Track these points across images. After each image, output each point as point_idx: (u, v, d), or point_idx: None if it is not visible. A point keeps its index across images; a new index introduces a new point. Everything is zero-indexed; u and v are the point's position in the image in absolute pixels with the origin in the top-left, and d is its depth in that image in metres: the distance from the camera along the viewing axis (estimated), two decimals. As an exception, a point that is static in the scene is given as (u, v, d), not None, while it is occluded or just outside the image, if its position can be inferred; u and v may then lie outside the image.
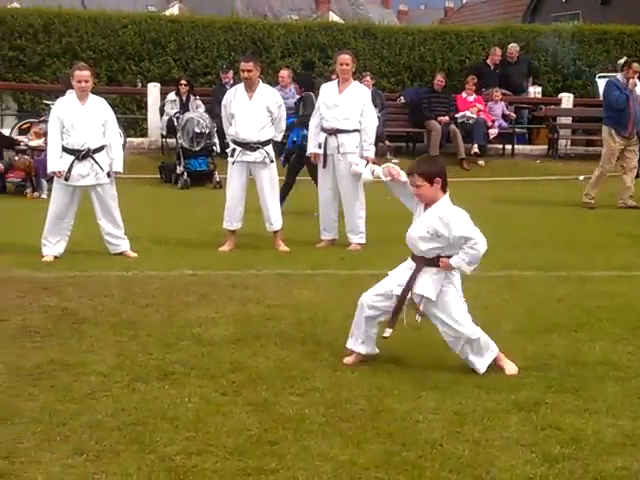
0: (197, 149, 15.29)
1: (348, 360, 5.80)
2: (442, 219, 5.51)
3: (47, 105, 15.28)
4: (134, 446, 4.43)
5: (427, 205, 5.64)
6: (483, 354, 5.64)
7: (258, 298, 7.45)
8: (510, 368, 5.67)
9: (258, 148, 9.60)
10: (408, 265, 5.73)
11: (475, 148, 18.04)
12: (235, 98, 9.70)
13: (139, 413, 4.87)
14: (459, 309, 5.66)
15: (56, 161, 8.99)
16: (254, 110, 9.58)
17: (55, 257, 8.91)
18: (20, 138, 15.30)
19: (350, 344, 5.83)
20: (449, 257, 5.55)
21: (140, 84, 19.02)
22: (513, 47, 19.82)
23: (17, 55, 18.94)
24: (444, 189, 5.62)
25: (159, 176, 15.99)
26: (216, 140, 15.21)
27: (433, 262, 5.59)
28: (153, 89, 18.04)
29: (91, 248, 9.31)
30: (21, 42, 18.93)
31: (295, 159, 11.91)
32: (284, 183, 11.65)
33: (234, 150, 9.70)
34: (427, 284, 5.60)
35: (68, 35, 19.15)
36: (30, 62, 19.00)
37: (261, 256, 9.23)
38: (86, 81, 8.96)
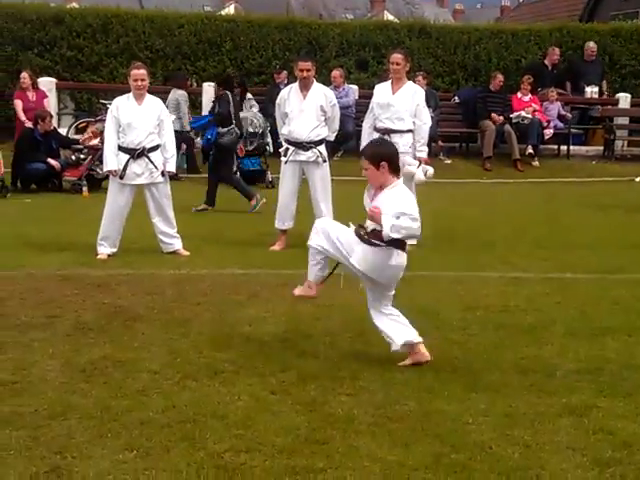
0: (250, 148, 15.35)
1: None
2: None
3: (103, 104, 15.48)
4: (184, 443, 4.47)
5: (378, 188, 5.67)
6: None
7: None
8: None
9: (311, 147, 9.61)
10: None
11: (529, 149, 17.87)
12: (289, 97, 9.72)
13: (189, 410, 4.91)
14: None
15: (112, 160, 9.09)
16: (308, 109, 9.59)
17: (109, 255, 9.01)
18: (77, 137, 15.52)
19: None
20: None
21: (195, 83, 19.15)
22: (591, 45, 19.54)
23: (75, 55, 19.17)
24: (394, 173, 5.61)
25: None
26: (269, 140, 15.27)
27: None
28: (208, 88, 18.15)
29: (144, 246, 9.40)
30: (79, 42, 19.16)
31: (215, 155, 12.46)
32: (210, 181, 12.34)
33: (287, 149, 9.73)
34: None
35: (125, 35, 19.36)
36: (88, 61, 19.23)
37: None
38: (142, 80, 9.05)
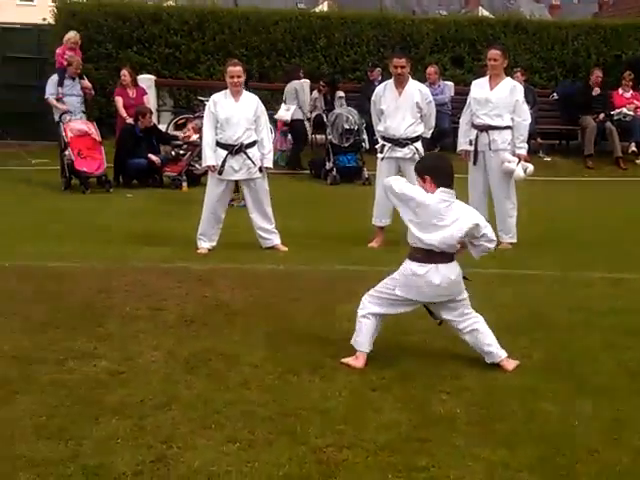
0: (346, 145, 15.39)
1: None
2: None
3: (201, 101, 15.68)
4: (286, 437, 4.50)
5: None
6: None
7: (407, 295, 7.42)
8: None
9: (407, 144, 9.57)
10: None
11: (633, 146, 17.46)
12: (384, 94, 9.69)
13: (290, 404, 4.94)
14: None
15: (210, 156, 9.20)
16: (403, 106, 9.55)
17: (209, 249, 9.14)
18: (176, 133, 15.78)
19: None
20: None
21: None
22: None
23: (173, 52, 19.45)
24: (439, 185, 5.46)
25: (308, 172, 16.17)
26: (365, 136, 15.26)
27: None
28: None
29: (243, 241, 9.50)
30: (176, 39, 19.44)
31: None
32: None
33: (383, 146, 9.70)
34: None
35: (221, 32, 19.57)
36: (185, 59, 19.50)
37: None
38: (238, 76, 9.13)
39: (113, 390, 5.08)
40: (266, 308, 6.92)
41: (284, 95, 16.93)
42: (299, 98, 16.48)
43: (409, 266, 5.58)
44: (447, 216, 5.44)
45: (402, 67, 9.49)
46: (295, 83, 16.59)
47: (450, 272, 5.52)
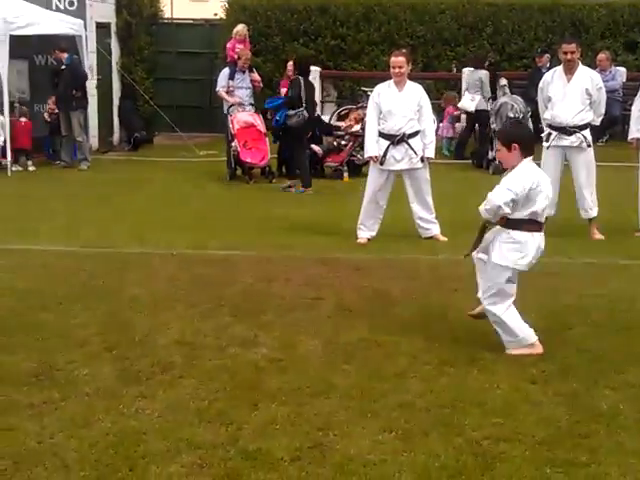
0: (510, 134, 15.06)
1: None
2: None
3: (364, 92, 15.73)
4: (442, 428, 4.48)
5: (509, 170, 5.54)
6: None
7: (568, 287, 7.25)
8: None
9: (575, 132, 9.30)
10: None
11: None
12: (553, 81, 9.45)
13: (447, 396, 4.91)
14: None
15: (373, 146, 9.23)
16: (572, 93, 9.28)
17: (368, 239, 9.18)
18: (339, 124, 15.90)
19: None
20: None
21: (455, 69, 19.06)
22: None
23: (338, 43, 19.62)
24: (525, 154, 5.46)
25: (470, 161, 15.97)
26: (530, 125, 14.88)
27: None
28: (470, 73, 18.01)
29: (402, 231, 9.48)
30: (342, 31, 19.58)
31: (284, 137, 13.56)
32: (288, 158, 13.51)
33: (549, 134, 9.47)
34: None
35: (387, 23, 19.57)
36: (350, 50, 19.63)
37: (573, 244, 8.95)
38: (400, 67, 9.11)
39: (272, 377, 5.20)
40: (424, 298, 6.90)
41: (465, 83, 16.70)
42: (483, 88, 16.22)
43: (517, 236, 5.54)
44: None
45: (572, 53, 9.25)
46: (481, 73, 16.31)
47: None
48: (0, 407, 4.74)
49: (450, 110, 17.39)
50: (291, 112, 13.01)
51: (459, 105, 16.38)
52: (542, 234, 5.63)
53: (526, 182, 5.43)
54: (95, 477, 3.96)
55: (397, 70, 9.11)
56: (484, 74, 16.24)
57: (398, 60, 9.12)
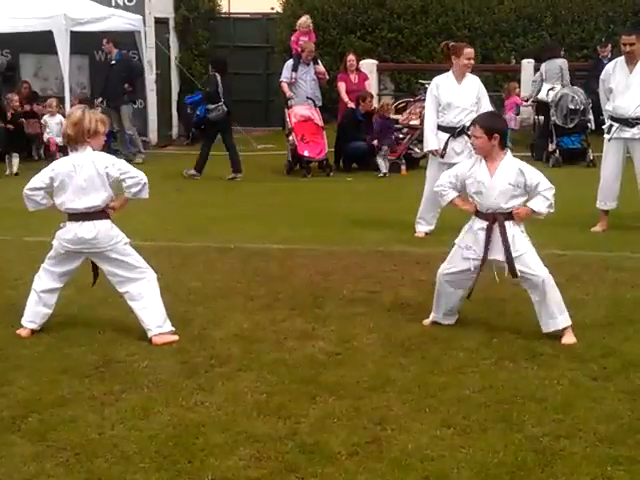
0: (571, 126, 14.88)
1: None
2: (520, 169, 5.70)
3: (422, 85, 15.64)
4: (501, 424, 4.44)
5: (485, 158, 5.71)
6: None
7: (633, 281, 7.14)
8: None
9: (637, 124, 9.13)
10: (476, 226, 5.97)
11: None
12: (614, 72, 9.29)
13: (506, 391, 4.86)
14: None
15: (432, 140, 9.16)
16: (634, 84, 9.11)
17: (426, 233, 9.14)
18: (396, 117, 15.83)
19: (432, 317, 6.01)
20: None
21: (514, 61, 18.86)
22: None
23: (395, 36, 19.55)
24: (502, 146, 5.70)
25: (530, 154, 15.78)
26: (591, 116, 14.69)
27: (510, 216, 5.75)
28: (527, 65, 17.82)
29: (461, 225, 9.38)
30: (400, 23, 19.51)
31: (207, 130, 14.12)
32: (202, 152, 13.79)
33: (611, 126, 9.31)
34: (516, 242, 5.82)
35: (444, 14, 19.45)
36: (407, 42, 19.54)
37: (637, 238, 8.80)
38: (468, 59, 9.02)
39: (330, 370, 5.20)
40: (482, 292, 6.80)
41: (542, 74, 16.35)
42: (564, 76, 15.94)
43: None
44: None
45: (631, 44, 9.07)
46: (559, 61, 15.99)
47: None
48: (63, 398, 4.82)
49: (513, 101, 17.13)
50: (211, 106, 13.70)
51: (538, 97, 15.99)
52: None
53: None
54: (154, 469, 4.00)
55: (467, 62, 9.03)
56: (562, 62, 15.93)
57: (472, 51, 9.10)
